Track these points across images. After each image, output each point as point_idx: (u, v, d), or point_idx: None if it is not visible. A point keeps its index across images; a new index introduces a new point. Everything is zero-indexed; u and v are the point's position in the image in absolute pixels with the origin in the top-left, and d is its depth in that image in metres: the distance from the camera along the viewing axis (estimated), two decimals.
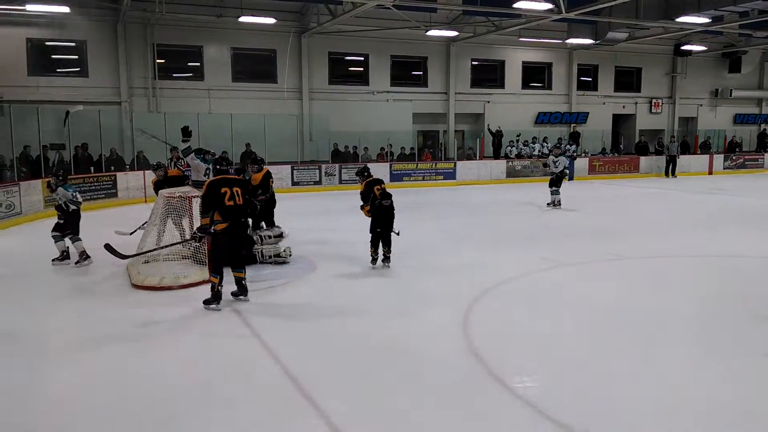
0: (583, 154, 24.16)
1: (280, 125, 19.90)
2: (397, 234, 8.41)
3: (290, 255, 8.72)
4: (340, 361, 5.18)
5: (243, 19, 18.52)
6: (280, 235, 9.15)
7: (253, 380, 4.80)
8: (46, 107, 15.57)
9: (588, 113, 26.65)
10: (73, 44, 18.86)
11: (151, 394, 4.57)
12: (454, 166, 21.41)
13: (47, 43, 18.62)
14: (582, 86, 26.82)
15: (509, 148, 23.03)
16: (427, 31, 21.05)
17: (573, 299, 7.07)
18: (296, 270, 8.27)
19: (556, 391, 4.58)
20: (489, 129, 23.24)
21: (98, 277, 8.08)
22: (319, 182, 19.46)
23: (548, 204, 14.45)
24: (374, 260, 8.45)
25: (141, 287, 7.40)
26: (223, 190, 6.57)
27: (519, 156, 22.87)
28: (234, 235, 6.67)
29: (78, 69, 18.97)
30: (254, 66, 21.35)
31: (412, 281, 7.85)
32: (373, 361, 5.16)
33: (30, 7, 16.18)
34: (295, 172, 19.25)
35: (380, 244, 8.36)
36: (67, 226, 8.75)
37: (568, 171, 14.46)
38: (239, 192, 6.67)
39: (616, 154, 25.52)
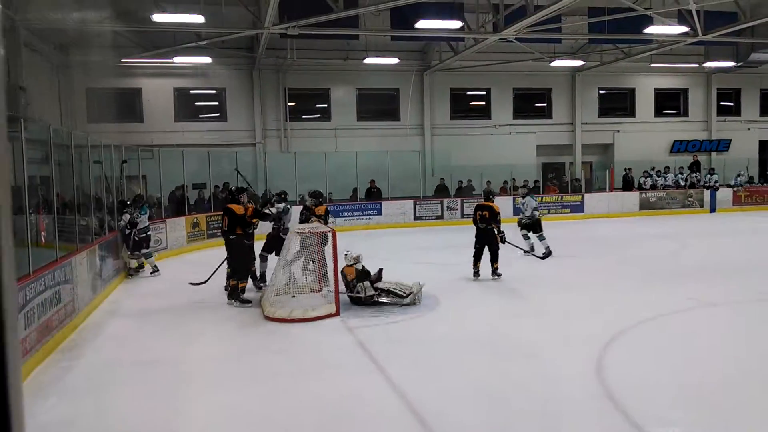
0: (738, 182, 22.34)
1: (402, 161, 20.21)
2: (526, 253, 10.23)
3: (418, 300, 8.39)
4: (469, 400, 5.02)
5: (368, 60, 19.18)
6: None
7: (378, 416, 4.77)
8: (190, 150, 16.87)
9: (730, 140, 24.76)
10: (214, 91, 20.40)
11: (277, 426, 4.67)
12: (582, 198, 20.62)
13: (191, 91, 20.29)
14: (722, 112, 25.00)
15: (642, 179, 21.84)
16: (551, 62, 20.66)
17: (719, 343, 6.47)
18: (422, 306, 8.22)
19: None
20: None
21: (235, 310, 8.48)
22: (440, 216, 19.46)
23: (525, 251, 11.86)
24: (475, 273, 9.81)
25: (272, 319, 7.68)
26: None
27: (653, 187, 21.61)
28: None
29: (218, 114, 20.47)
30: (378, 105, 21.96)
31: (544, 320, 7.54)
32: (503, 403, 4.96)
33: (177, 60, 17.79)
34: (417, 206, 19.40)
35: (480, 259, 9.80)
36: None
37: (538, 213, 12.05)
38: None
39: (764, 183, 23.43)
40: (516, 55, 20.36)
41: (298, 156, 18.58)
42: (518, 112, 23.00)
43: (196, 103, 20.62)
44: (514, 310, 8.05)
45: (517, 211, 15.59)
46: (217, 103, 20.50)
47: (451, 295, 8.78)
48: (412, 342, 6.77)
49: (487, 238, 9.81)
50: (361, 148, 19.77)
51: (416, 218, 19.25)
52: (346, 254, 8.39)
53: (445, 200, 19.74)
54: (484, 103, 22.92)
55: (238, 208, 8.55)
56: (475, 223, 9.98)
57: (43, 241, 7.52)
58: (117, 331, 7.62)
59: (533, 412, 4.74)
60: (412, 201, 19.38)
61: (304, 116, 21.20)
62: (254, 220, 8.70)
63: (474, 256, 9.94)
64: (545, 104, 23.49)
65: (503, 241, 9.95)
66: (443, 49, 20.54)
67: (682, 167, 22.43)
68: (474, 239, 9.98)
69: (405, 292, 8.22)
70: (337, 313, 7.76)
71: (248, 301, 8.55)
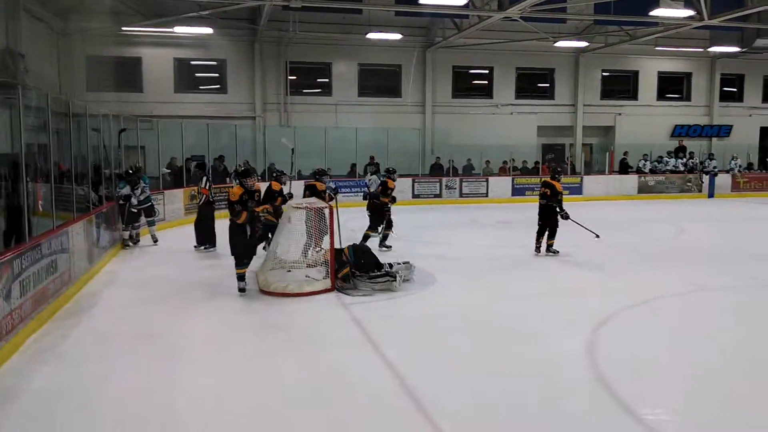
0: (735, 169, 22.32)
1: (402, 138, 20.16)
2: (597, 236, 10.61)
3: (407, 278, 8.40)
4: (463, 380, 5.07)
5: (370, 35, 19.00)
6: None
7: (372, 394, 4.82)
8: (189, 122, 16.78)
9: (732, 126, 24.68)
10: (215, 63, 20.23)
11: (269, 399, 4.72)
12: (581, 180, 20.61)
13: (192, 62, 20.12)
14: (725, 97, 24.89)
15: (642, 162, 21.81)
16: (555, 42, 20.48)
17: (715, 328, 6.52)
18: (416, 283, 8.26)
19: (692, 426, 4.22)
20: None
21: (232, 281, 8.51)
22: (439, 195, 19.46)
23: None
24: (537, 249, 10.18)
25: (267, 293, 7.72)
26: None
27: (653, 171, 21.59)
28: None
29: (218, 86, 20.32)
30: (379, 81, 21.82)
31: (539, 301, 7.58)
32: (496, 383, 5.00)
33: (177, 30, 17.60)
34: (416, 184, 19.39)
35: (545, 235, 10.07)
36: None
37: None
38: None
39: (764, 170, 23.41)
40: (520, 34, 20.17)
41: (297, 130, 18.48)
42: (520, 92, 22.88)
43: (197, 75, 20.46)
44: (507, 291, 8.09)
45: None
46: (217, 75, 20.34)
47: (447, 274, 8.81)
48: (406, 319, 6.82)
49: (546, 214, 10.12)
50: (362, 124, 19.68)
51: (414, 196, 19.25)
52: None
53: (444, 179, 19.72)
54: (486, 82, 22.77)
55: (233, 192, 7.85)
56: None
57: (40, 209, 7.51)
58: (113, 301, 7.65)
59: (524, 393, 4.79)
60: (410, 179, 19.35)
61: (304, 90, 21.07)
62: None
63: (537, 233, 10.25)
64: (547, 85, 23.36)
65: (564, 217, 10.14)
66: (447, 26, 20.36)
67: (692, 152, 22.34)
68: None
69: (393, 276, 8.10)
70: (332, 289, 7.80)
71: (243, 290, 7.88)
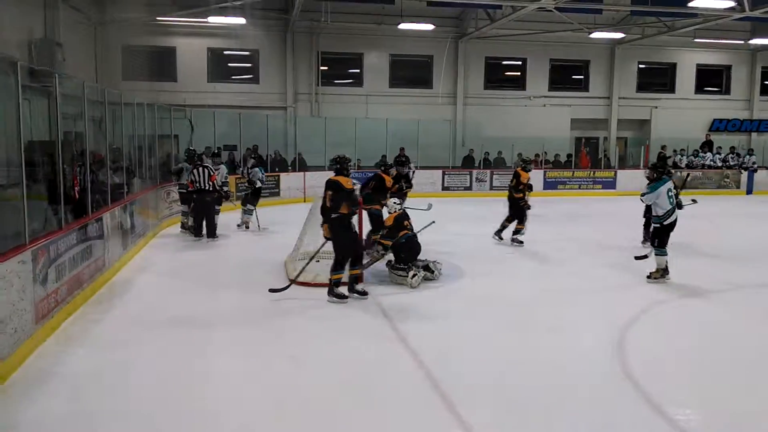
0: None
1: (433, 130, 20.05)
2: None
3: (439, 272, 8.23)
4: (487, 372, 5.05)
5: (402, 26, 18.91)
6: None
7: (396, 385, 4.82)
8: (221, 111, 16.94)
9: None
10: (247, 53, 20.36)
11: (296, 387, 4.75)
12: (615, 174, 20.27)
13: (225, 52, 20.28)
14: (766, 91, 24.19)
15: (678, 156, 21.35)
16: (590, 33, 20.11)
17: (745, 327, 6.37)
18: (444, 276, 8.22)
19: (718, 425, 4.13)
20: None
21: (261, 270, 8.60)
22: (469, 188, 19.34)
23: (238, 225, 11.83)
24: (497, 233, 10.35)
25: (297, 282, 7.76)
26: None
27: (689, 166, 21.12)
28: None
29: (250, 76, 20.46)
30: (411, 72, 21.71)
31: (568, 295, 7.50)
32: (521, 376, 4.98)
33: (211, 20, 17.75)
34: (446, 176, 19.29)
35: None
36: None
37: (262, 184, 11.84)
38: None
39: None
40: (554, 25, 19.87)
41: (328, 121, 18.54)
42: (554, 84, 22.56)
43: (229, 64, 20.61)
44: (538, 284, 8.00)
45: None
46: (250, 65, 20.47)
47: (476, 267, 8.76)
48: (435, 311, 6.79)
49: (511, 202, 10.21)
50: (392, 115, 19.63)
51: (444, 188, 19.15)
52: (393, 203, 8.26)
53: (474, 171, 19.58)
54: (519, 73, 22.50)
55: (346, 181, 7.10)
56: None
57: (77, 196, 7.65)
58: (145, 288, 7.79)
59: (550, 387, 4.74)
60: (440, 171, 19.25)
61: (336, 81, 21.08)
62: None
63: (505, 219, 10.34)
64: (582, 77, 22.99)
65: (525, 208, 10.23)
66: (480, 16, 20.13)
67: (720, 147, 21.81)
68: None
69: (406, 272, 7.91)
70: (361, 280, 7.80)
71: (345, 297, 7.08)
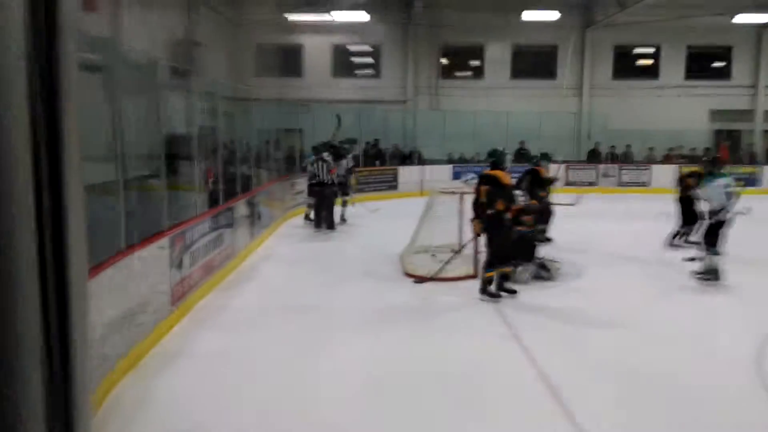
0: None
1: (557, 123, 19.37)
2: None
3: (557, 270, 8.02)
4: (605, 378, 4.83)
5: (526, 15, 18.41)
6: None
7: (508, 384, 4.74)
8: (342, 106, 17.39)
9: None
10: (370, 48, 20.74)
11: (409, 378, 4.79)
12: (762, 171, 18.60)
13: (348, 47, 20.77)
14: None
15: None
16: (733, 17, 18.51)
17: None
18: (562, 276, 7.94)
19: None
20: None
21: (379, 262, 8.77)
22: (594, 183, 18.53)
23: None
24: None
25: (411, 276, 7.84)
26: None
27: None
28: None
29: (372, 71, 20.83)
30: (534, 63, 21.10)
31: (699, 299, 7.00)
32: (641, 385, 4.71)
33: (336, 16, 18.26)
34: (570, 171, 18.60)
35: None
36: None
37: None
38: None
39: None
40: (692, 9, 18.47)
41: (447, 114, 18.47)
42: (690, 73, 20.99)
43: (352, 59, 21.09)
44: (661, 289, 7.50)
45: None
46: (372, 60, 20.84)
47: (595, 267, 8.38)
48: (549, 311, 6.59)
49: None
50: (514, 107, 19.19)
51: (568, 183, 18.49)
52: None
53: (600, 166, 18.73)
54: (651, 61, 21.18)
55: (504, 176, 6.89)
56: None
57: (210, 187, 8.17)
58: (269, 275, 8.19)
59: (677, 399, 4.45)
60: (564, 165, 18.59)
61: (456, 74, 20.95)
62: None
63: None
64: (723, 64, 21.22)
65: None
66: (609, 3, 19.13)
67: None
68: None
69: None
70: (475, 275, 7.74)
71: (498, 295, 6.87)
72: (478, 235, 7.19)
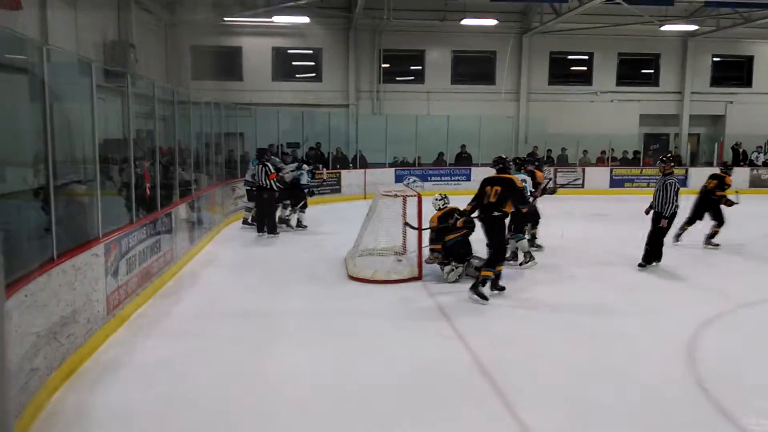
0: None
1: (495, 127, 19.79)
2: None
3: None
4: (549, 376, 4.94)
5: (465, 21, 18.73)
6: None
7: (454, 383, 4.79)
8: (284, 109, 17.24)
9: None
10: (310, 51, 20.64)
11: (355, 382, 4.79)
12: (686, 172, 19.49)
13: (289, 51, 20.62)
14: None
15: (755, 154, 20.35)
16: (661, 26, 19.38)
17: None
18: (505, 275, 8.09)
19: None
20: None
21: (322, 266, 8.72)
22: None
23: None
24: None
25: (355, 279, 7.83)
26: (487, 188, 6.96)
27: (767, 164, 20.11)
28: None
29: (313, 74, 20.73)
30: (473, 68, 21.47)
31: (640, 298, 7.25)
32: (586, 379, 4.84)
33: (276, 19, 18.11)
34: None
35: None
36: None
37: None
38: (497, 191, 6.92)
39: None
40: (623, 18, 19.26)
41: (389, 118, 18.59)
42: (622, 79, 21.85)
43: (293, 63, 20.94)
44: (604, 287, 7.75)
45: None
46: (313, 63, 20.74)
47: (536, 267, 8.59)
48: (492, 310, 6.70)
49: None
50: (454, 112, 19.49)
51: None
52: (435, 200, 8.20)
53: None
54: (585, 68, 21.92)
55: (516, 180, 7.19)
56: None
57: (148, 192, 7.94)
58: (211, 281, 8.02)
59: (616, 394, 4.60)
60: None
61: (397, 78, 21.10)
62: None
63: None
64: (652, 71, 22.18)
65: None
66: (545, 10, 19.70)
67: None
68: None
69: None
70: (419, 277, 7.80)
71: (486, 298, 6.89)
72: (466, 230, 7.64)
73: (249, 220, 11.83)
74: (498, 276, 7.20)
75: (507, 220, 7.33)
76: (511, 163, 7.97)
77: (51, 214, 4.60)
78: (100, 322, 5.42)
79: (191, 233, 9.21)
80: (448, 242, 7.81)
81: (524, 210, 7.35)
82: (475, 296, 6.85)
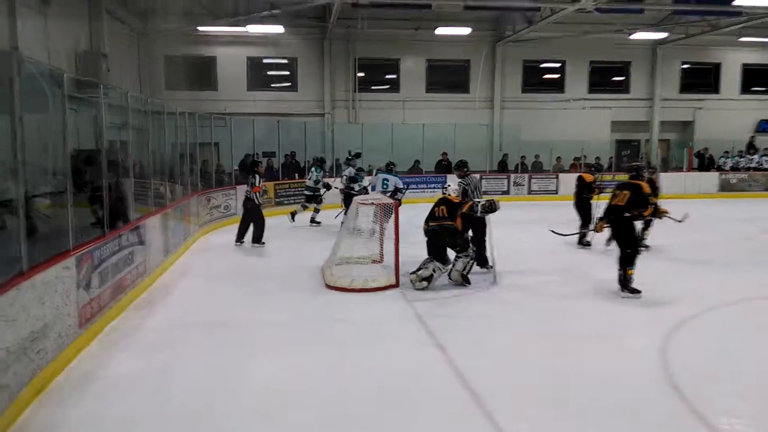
0: None
1: (470, 134, 19.95)
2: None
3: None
4: (525, 380, 4.98)
5: (439, 30, 18.88)
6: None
7: (431, 389, 4.80)
8: (260, 118, 17.18)
9: None
10: (285, 61, 20.63)
11: (333, 391, 4.77)
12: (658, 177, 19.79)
13: (264, 60, 20.58)
14: None
15: (723, 159, 20.79)
16: (631, 34, 19.75)
17: None
18: (482, 281, 8.16)
19: None
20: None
21: (299, 275, 8.68)
22: (507, 192, 19.16)
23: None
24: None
25: (333, 288, 7.82)
26: None
27: (735, 168, 20.54)
28: None
29: (289, 83, 20.71)
30: (448, 76, 21.66)
31: (609, 302, 7.34)
32: (561, 384, 4.89)
33: (250, 29, 18.06)
34: (483, 181, 19.12)
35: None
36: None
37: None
38: None
39: None
40: (594, 26, 19.59)
41: (365, 127, 18.65)
42: (593, 87, 22.24)
43: (268, 72, 20.91)
44: (579, 290, 7.84)
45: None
46: (288, 73, 20.73)
47: (513, 273, 8.66)
48: (470, 317, 6.73)
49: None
50: (429, 120, 19.62)
51: (482, 193, 18.97)
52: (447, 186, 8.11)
53: (512, 175, 19.41)
54: (558, 76, 22.24)
55: (645, 186, 7.63)
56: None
57: (120, 203, 7.83)
58: (185, 292, 7.93)
59: (591, 396, 4.65)
60: (478, 175, 19.09)
61: (373, 87, 21.18)
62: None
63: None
64: (623, 78, 22.59)
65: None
66: (518, 19, 19.96)
67: (740, 151, 21.24)
68: None
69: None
70: (396, 285, 7.82)
71: (638, 291, 7.33)
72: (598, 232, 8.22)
73: (315, 219, 13.29)
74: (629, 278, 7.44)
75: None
76: (645, 170, 8.50)
77: (20, 227, 4.52)
78: (72, 336, 5.33)
79: (165, 244, 9.12)
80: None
81: (645, 213, 7.68)
82: (628, 294, 7.30)
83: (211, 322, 6.62)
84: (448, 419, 4.31)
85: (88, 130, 8.91)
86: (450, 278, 7.87)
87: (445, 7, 19.34)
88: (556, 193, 19.22)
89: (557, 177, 19.61)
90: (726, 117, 22.50)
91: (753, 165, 20.65)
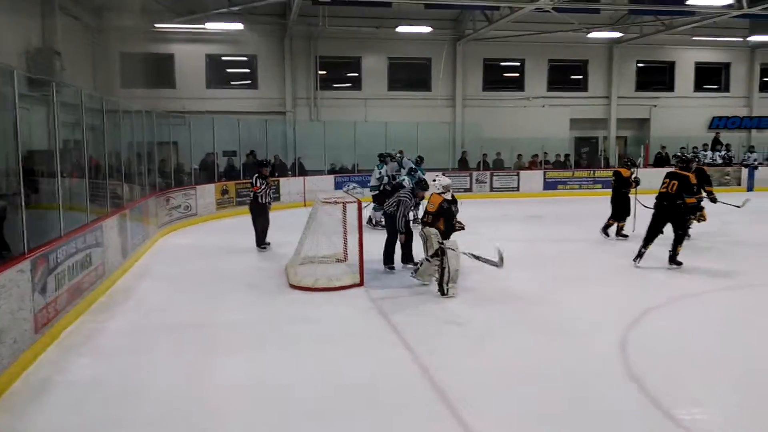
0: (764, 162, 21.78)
1: (432, 132, 20.05)
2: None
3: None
4: (489, 375, 5.03)
5: (400, 29, 18.90)
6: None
7: (398, 388, 4.80)
8: (220, 117, 16.94)
9: None
10: (245, 58, 20.37)
11: (298, 390, 4.73)
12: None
13: (223, 58, 20.29)
14: (765, 87, 24.18)
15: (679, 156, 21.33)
16: (588, 33, 20.12)
17: (750, 324, 6.34)
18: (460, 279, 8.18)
19: (729, 425, 4.10)
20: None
21: (263, 275, 8.59)
22: (469, 189, 19.32)
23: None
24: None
25: (297, 287, 7.76)
26: None
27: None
28: None
29: (249, 81, 20.47)
30: (409, 74, 21.71)
31: (569, 297, 7.46)
32: (525, 381, 4.93)
33: (209, 26, 17.79)
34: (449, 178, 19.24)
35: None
36: None
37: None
38: None
39: None
40: (552, 25, 19.87)
41: (327, 125, 18.56)
42: (552, 85, 22.57)
43: (228, 70, 20.62)
44: (544, 287, 7.94)
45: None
46: (248, 71, 20.48)
47: (477, 270, 8.71)
48: (434, 314, 6.75)
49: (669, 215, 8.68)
50: (391, 118, 19.64)
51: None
52: (434, 180, 8.08)
53: (474, 173, 19.57)
54: (517, 74, 22.51)
55: (692, 176, 8.66)
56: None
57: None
58: (146, 295, 7.77)
59: (557, 391, 4.72)
60: (440, 173, 19.20)
61: (334, 85, 21.09)
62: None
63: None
64: (581, 77, 22.99)
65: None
66: (477, 18, 20.13)
67: (729, 144, 21.85)
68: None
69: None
70: (361, 283, 7.80)
71: (681, 263, 8.67)
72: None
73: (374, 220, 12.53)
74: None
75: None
76: (693, 162, 9.47)
77: None
78: (29, 342, 5.17)
79: (124, 246, 8.91)
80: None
81: (688, 200, 8.57)
82: (674, 265, 8.58)
83: (173, 324, 6.50)
84: (415, 417, 4.31)
85: (42, 130, 8.66)
86: (415, 275, 7.87)
87: (405, 5, 19.40)
88: (518, 190, 19.47)
89: (518, 174, 19.85)
90: (680, 114, 23.10)
91: (707, 161, 21.21)
